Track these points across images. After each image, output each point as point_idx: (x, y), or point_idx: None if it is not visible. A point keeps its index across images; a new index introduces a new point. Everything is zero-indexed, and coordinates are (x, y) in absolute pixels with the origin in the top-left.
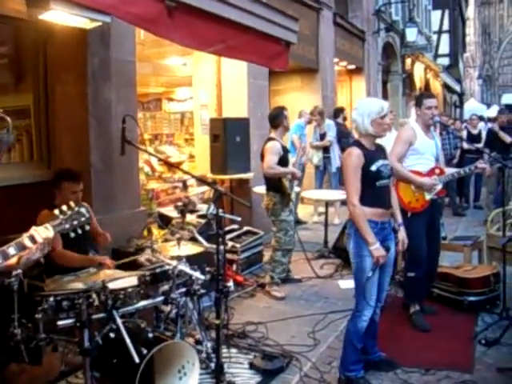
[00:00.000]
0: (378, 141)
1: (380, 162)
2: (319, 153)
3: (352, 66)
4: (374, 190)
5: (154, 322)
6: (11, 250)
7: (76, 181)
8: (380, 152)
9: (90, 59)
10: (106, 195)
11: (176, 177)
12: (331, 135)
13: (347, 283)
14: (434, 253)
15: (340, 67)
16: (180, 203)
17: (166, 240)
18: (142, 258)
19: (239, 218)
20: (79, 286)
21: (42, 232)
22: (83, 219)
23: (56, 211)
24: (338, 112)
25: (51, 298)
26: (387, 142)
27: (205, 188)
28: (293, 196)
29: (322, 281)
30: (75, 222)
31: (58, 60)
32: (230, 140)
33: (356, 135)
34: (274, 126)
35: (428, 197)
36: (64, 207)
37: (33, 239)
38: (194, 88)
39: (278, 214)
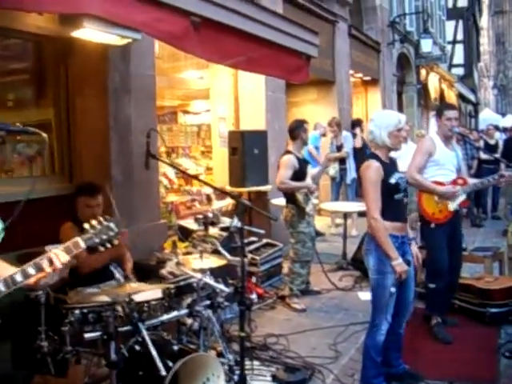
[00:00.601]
0: (394, 153)
1: (397, 175)
2: (335, 164)
3: (367, 78)
4: (392, 203)
5: (176, 335)
6: (30, 270)
7: (91, 195)
8: (394, 165)
9: (111, 74)
10: (126, 208)
11: (194, 189)
12: (348, 147)
13: (367, 295)
14: (455, 264)
15: (355, 79)
16: (200, 216)
17: (188, 253)
18: (164, 271)
19: (263, 231)
20: (104, 298)
21: (62, 257)
22: (112, 234)
23: (86, 225)
24: (355, 124)
25: (77, 311)
26: (404, 153)
27: (227, 202)
28: (310, 208)
29: (342, 293)
30: (104, 237)
31: (79, 75)
32: (248, 152)
33: (372, 147)
34: (292, 138)
35: (452, 207)
36: (94, 221)
37: (51, 262)
38: (211, 101)
39: (296, 225)
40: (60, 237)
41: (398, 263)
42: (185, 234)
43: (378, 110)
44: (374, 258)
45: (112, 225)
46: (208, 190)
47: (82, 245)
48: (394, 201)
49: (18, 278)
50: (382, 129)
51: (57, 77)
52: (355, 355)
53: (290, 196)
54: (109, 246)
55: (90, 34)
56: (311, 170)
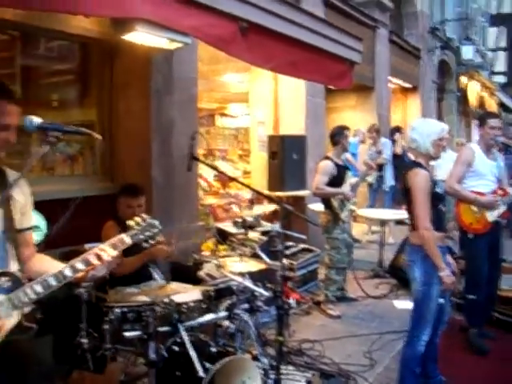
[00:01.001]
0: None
1: (439, 184)
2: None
3: (407, 85)
4: (437, 212)
5: (212, 337)
6: (79, 265)
7: (133, 195)
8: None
9: (155, 76)
10: (165, 209)
11: (232, 192)
12: (387, 153)
13: (403, 304)
14: (494, 275)
15: (395, 85)
16: (239, 219)
17: (227, 256)
18: (201, 273)
19: (304, 236)
20: (143, 298)
21: (109, 251)
22: (155, 231)
23: (131, 222)
24: (394, 131)
25: (117, 310)
26: (444, 162)
27: (268, 207)
28: (345, 215)
29: (377, 300)
30: (148, 234)
31: (123, 77)
32: (287, 157)
33: (412, 156)
34: (333, 144)
35: (491, 219)
36: (138, 219)
37: (99, 257)
38: (250, 105)
39: (331, 231)
40: (102, 235)
41: (446, 274)
42: (223, 236)
43: (418, 118)
44: (420, 269)
45: (156, 222)
46: (246, 194)
47: (128, 241)
48: (437, 210)
49: (68, 272)
50: (425, 137)
51: (101, 78)
52: (391, 364)
53: (326, 201)
54: (152, 242)
55: (142, 37)
56: (351, 179)
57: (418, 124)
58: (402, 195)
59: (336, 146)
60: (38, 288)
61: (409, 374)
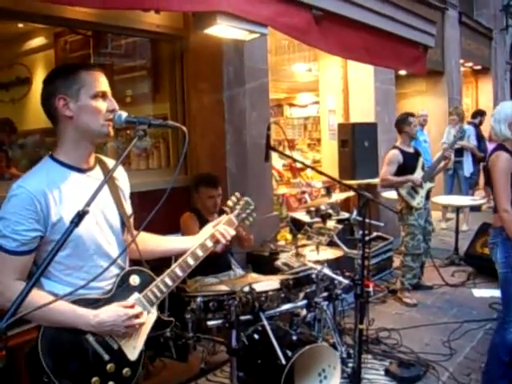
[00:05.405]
0: None
1: None
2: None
3: (478, 67)
4: None
5: (288, 325)
6: (199, 252)
7: (213, 186)
8: None
9: (226, 68)
10: None
11: (303, 182)
12: (472, 139)
13: (481, 292)
14: None
15: (465, 68)
16: (313, 208)
17: (304, 245)
18: (278, 262)
19: (382, 224)
20: (222, 288)
21: (231, 230)
22: (252, 207)
23: (229, 203)
24: (476, 114)
25: (199, 299)
26: None
27: (344, 194)
28: (417, 202)
29: (454, 289)
30: (248, 211)
31: (194, 70)
32: (358, 145)
33: (498, 140)
34: (398, 131)
35: None
36: (234, 198)
37: (223, 236)
38: (320, 93)
39: (406, 218)
40: (181, 226)
41: None
42: (297, 226)
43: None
44: (502, 251)
45: (249, 199)
46: (318, 183)
47: (235, 221)
48: None
49: (191, 261)
50: (501, 122)
51: (172, 72)
52: (471, 354)
53: (396, 189)
54: (251, 220)
55: (223, 30)
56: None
57: (495, 110)
58: (486, 178)
59: (401, 134)
60: (168, 281)
61: (496, 362)
